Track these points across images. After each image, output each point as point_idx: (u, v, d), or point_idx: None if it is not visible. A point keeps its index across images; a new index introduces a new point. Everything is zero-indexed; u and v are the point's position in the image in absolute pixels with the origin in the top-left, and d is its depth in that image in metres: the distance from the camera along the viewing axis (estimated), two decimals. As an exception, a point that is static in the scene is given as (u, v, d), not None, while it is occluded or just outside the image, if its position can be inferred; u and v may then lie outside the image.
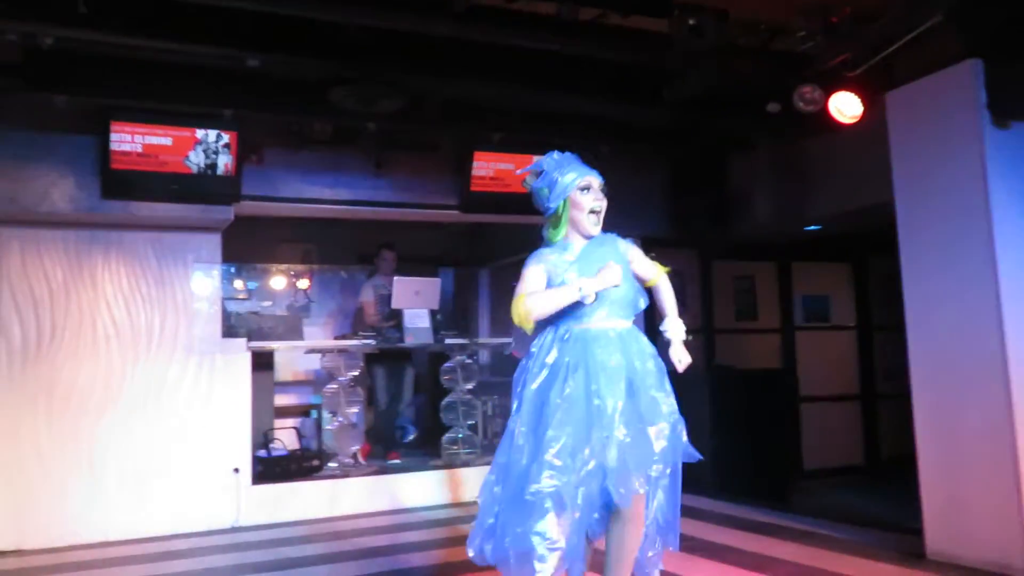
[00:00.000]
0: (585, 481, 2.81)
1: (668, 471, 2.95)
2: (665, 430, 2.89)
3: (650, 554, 3.00)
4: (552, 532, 2.75)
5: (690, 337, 3.19)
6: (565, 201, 3.04)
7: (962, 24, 4.05)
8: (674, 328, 3.14)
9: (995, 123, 3.95)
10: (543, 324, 3.02)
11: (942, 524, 4.08)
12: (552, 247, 3.07)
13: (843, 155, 5.66)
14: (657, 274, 3.18)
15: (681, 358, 3.09)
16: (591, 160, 3.20)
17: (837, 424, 7.37)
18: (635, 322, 3.13)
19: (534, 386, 2.94)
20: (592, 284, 2.85)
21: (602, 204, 3.05)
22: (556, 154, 3.14)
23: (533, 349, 3.05)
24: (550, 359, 2.96)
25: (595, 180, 3.06)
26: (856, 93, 4.77)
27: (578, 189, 3.03)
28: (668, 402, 2.96)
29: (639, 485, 2.82)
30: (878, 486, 6.50)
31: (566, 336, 2.97)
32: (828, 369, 7.50)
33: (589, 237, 3.06)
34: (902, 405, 4.56)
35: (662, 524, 3.00)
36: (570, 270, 2.97)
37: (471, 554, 2.96)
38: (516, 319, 2.88)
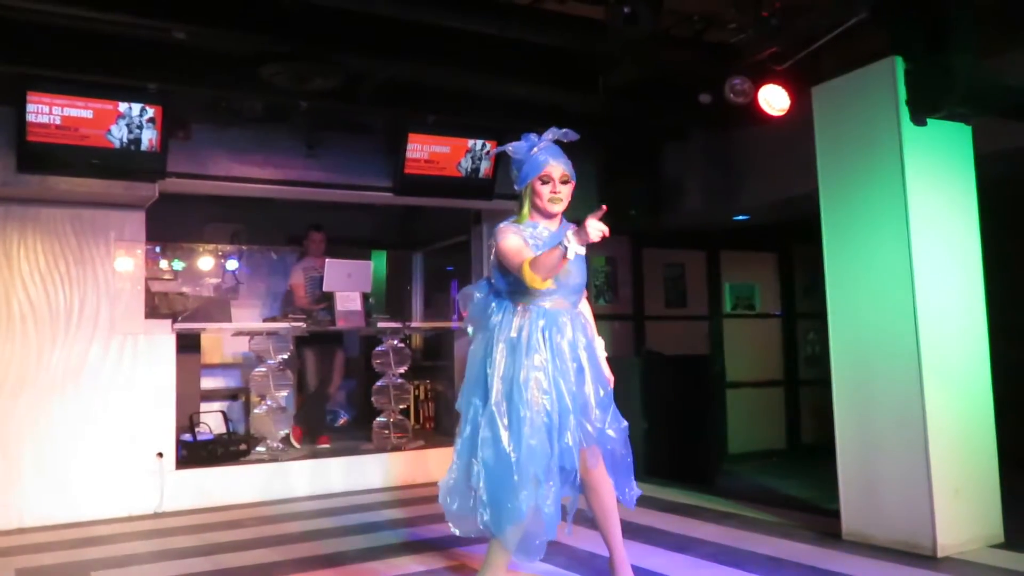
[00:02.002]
0: (557, 455, 3.07)
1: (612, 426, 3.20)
2: (606, 403, 3.20)
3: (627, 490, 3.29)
4: (540, 502, 3.00)
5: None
6: (528, 186, 3.23)
7: (884, 22, 4.17)
8: (599, 348, 3.36)
9: (913, 119, 4.09)
10: (499, 301, 3.26)
11: (857, 506, 4.24)
12: (521, 224, 3.24)
13: (771, 146, 5.80)
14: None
15: (608, 375, 3.34)
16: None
17: (761, 409, 7.57)
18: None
19: (500, 368, 3.12)
20: (576, 240, 2.86)
21: (560, 194, 3.22)
22: (534, 136, 3.27)
23: (494, 319, 3.23)
24: (512, 334, 3.16)
25: (555, 170, 3.21)
26: (784, 86, 4.89)
27: (539, 179, 3.20)
28: (605, 379, 3.27)
29: (592, 456, 3.14)
30: (799, 469, 6.70)
31: (525, 312, 3.18)
32: (753, 356, 7.70)
33: (550, 217, 3.25)
34: (823, 391, 4.71)
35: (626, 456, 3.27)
36: (539, 252, 3.12)
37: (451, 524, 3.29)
38: (534, 284, 2.99)
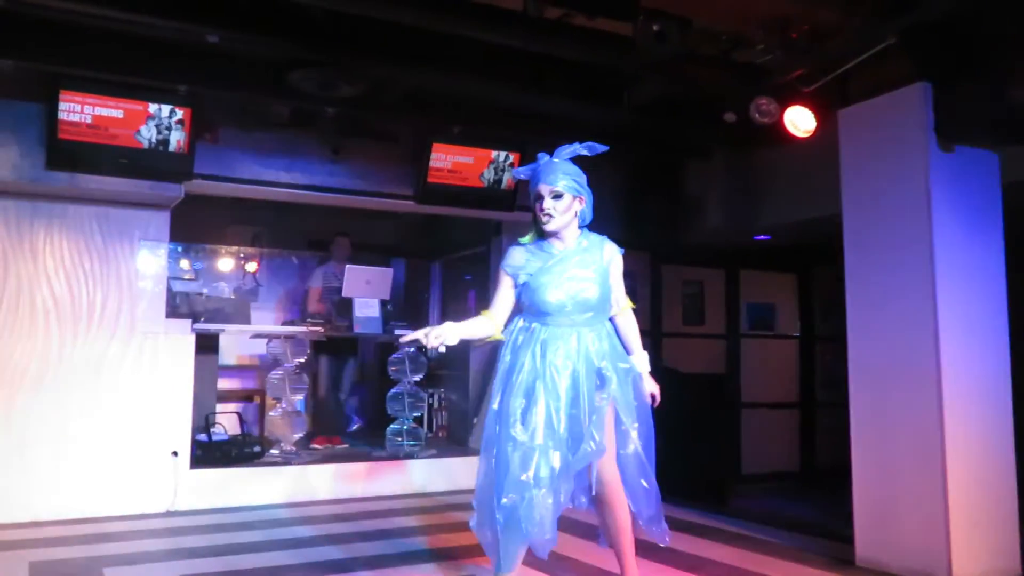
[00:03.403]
0: (544, 474, 3.05)
1: (632, 448, 3.22)
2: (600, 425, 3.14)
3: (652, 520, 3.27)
4: (523, 515, 3.02)
5: None
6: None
7: (913, 48, 4.16)
8: (640, 363, 3.36)
9: (940, 146, 4.07)
10: (515, 313, 3.36)
11: (872, 531, 4.21)
12: (530, 244, 3.32)
13: (794, 168, 5.78)
14: (623, 307, 3.40)
15: (653, 392, 3.37)
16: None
17: (776, 430, 7.53)
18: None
19: (499, 380, 3.26)
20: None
21: (548, 210, 3.21)
22: (544, 156, 3.32)
23: (506, 331, 3.35)
24: (514, 347, 3.27)
25: (544, 188, 3.23)
26: (810, 108, 4.87)
27: (533, 200, 3.27)
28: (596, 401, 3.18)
29: (605, 473, 3.14)
30: (812, 493, 6.66)
31: (530, 328, 3.26)
32: (770, 376, 7.66)
33: (551, 235, 3.27)
34: (838, 414, 4.68)
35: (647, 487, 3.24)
36: (539, 273, 3.22)
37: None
38: None
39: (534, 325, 3.24)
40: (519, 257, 3.29)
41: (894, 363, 4.17)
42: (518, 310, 3.36)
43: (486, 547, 3.22)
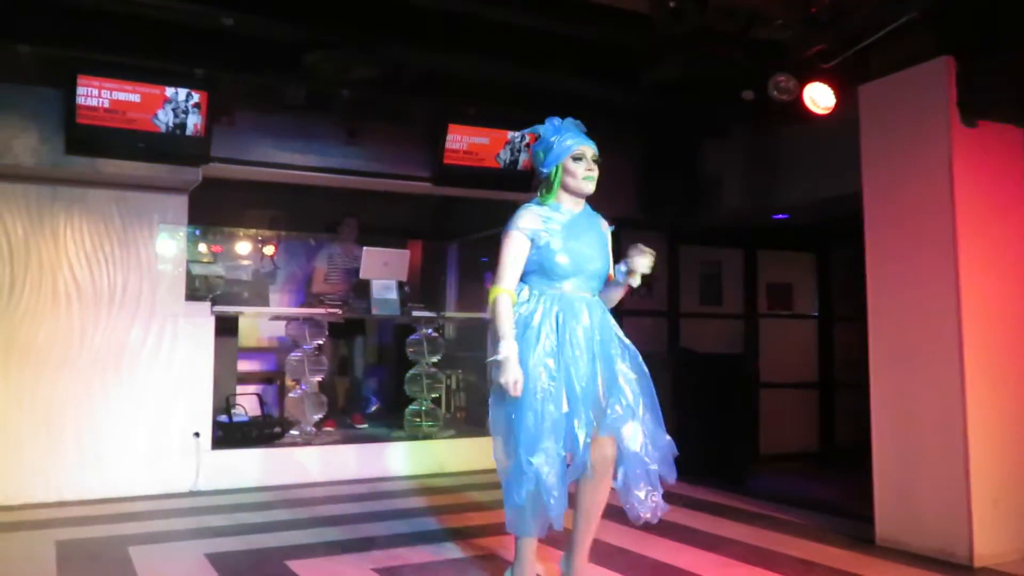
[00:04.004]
0: (565, 443, 2.99)
1: (641, 417, 3.10)
2: (624, 396, 3.08)
3: (642, 495, 3.07)
4: (542, 490, 2.94)
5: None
6: (558, 167, 3.18)
7: (936, 22, 4.09)
8: (622, 267, 3.17)
9: (964, 121, 4.01)
10: (521, 282, 3.20)
11: (893, 511, 4.19)
12: (543, 206, 3.20)
13: (813, 145, 5.72)
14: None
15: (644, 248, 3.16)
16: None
17: (794, 410, 7.49)
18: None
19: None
20: (504, 370, 2.96)
21: (594, 173, 3.19)
22: (557, 120, 3.26)
23: (520, 311, 3.16)
24: (526, 319, 3.12)
25: (589, 150, 3.20)
26: (830, 84, 4.80)
27: (571, 157, 3.17)
28: (626, 369, 3.14)
29: (602, 447, 3.03)
30: (832, 472, 6.64)
31: (542, 296, 3.15)
32: (788, 356, 7.61)
33: (579, 197, 3.20)
34: (858, 394, 4.65)
35: (648, 463, 3.10)
36: (556, 236, 3.12)
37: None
38: (488, 300, 3.12)
39: (546, 293, 3.14)
40: (535, 219, 3.14)
41: (915, 342, 4.13)
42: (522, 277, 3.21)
43: (514, 527, 3.15)
